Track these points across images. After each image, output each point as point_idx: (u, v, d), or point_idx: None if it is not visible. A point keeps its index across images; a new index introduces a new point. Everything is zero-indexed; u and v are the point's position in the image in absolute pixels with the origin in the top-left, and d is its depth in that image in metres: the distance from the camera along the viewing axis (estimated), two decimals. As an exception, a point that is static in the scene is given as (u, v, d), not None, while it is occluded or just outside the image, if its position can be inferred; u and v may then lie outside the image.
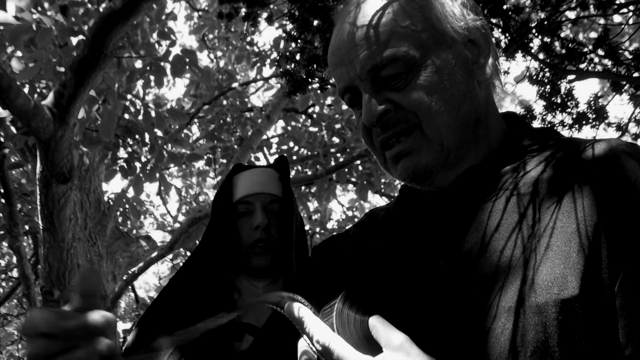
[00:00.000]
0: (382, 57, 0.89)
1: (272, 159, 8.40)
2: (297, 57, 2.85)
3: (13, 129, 5.61)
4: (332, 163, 8.40)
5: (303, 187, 8.78)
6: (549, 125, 2.84)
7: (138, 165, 6.11)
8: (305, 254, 1.85)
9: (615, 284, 0.72)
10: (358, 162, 8.08)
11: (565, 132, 2.85)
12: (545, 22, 2.65)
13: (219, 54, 9.86)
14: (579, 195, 0.78)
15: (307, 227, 9.68)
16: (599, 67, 2.77)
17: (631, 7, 2.78)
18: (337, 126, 8.44)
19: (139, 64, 5.71)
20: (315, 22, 2.81)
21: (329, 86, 2.93)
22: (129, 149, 6.05)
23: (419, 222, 0.95)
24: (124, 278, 7.21)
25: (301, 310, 0.80)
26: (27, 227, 8.02)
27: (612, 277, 0.72)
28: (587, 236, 0.74)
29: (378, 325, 0.76)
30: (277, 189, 1.83)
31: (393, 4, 0.92)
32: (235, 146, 8.25)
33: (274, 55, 8.41)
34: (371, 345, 0.76)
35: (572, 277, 0.73)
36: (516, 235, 0.79)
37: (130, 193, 8.00)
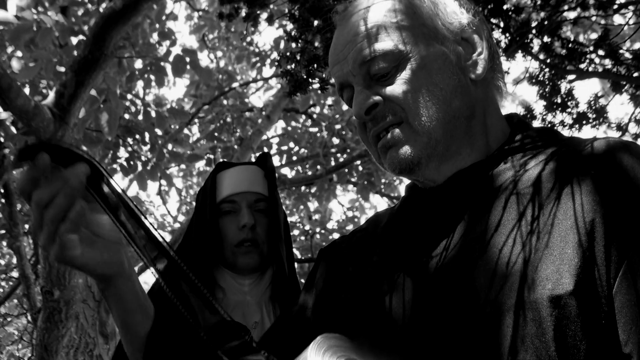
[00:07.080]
0: (371, 50, 0.91)
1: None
2: (298, 57, 2.85)
3: (13, 129, 5.61)
4: (332, 163, 8.40)
5: (303, 187, 8.78)
6: (549, 125, 2.85)
7: (139, 163, 6.11)
8: (290, 249, 1.84)
9: (613, 280, 0.72)
10: (358, 162, 8.08)
11: (565, 132, 2.85)
12: (545, 22, 2.66)
13: (219, 54, 9.87)
14: (576, 192, 0.79)
15: (307, 227, 9.68)
16: (599, 67, 2.77)
17: (631, 7, 2.78)
18: (338, 126, 8.44)
19: (139, 64, 5.71)
20: (316, 22, 2.81)
21: (329, 86, 2.93)
22: (129, 149, 6.05)
23: (420, 222, 0.95)
24: (124, 278, 7.18)
25: None
26: (27, 227, 8.01)
27: (609, 272, 0.73)
28: (583, 232, 0.74)
29: None
30: (262, 187, 1.82)
31: (386, 2, 0.94)
32: (235, 146, 8.24)
33: (274, 55, 8.41)
34: None
35: (566, 273, 0.73)
36: (515, 234, 0.80)
37: (131, 193, 7.99)
